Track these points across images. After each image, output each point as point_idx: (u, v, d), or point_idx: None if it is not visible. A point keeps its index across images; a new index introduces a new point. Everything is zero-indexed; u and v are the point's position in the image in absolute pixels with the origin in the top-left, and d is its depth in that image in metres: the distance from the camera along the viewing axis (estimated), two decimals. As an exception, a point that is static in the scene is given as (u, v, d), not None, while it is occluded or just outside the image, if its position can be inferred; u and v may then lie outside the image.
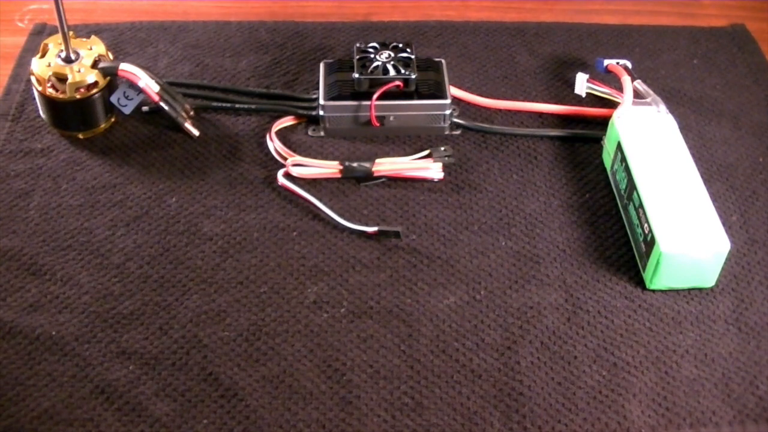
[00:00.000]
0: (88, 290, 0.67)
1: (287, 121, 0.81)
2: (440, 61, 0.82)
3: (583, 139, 0.81)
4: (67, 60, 0.76)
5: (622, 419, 0.60)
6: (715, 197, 0.73)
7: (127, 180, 0.75)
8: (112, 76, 0.77)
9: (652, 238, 0.66)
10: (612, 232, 0.73)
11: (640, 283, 0.69)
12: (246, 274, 0.68)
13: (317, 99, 0.80)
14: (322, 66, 0.82)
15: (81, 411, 0.59)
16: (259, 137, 0.80)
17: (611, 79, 0.83)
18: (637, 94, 0.79)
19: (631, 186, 0.71)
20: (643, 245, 0.68)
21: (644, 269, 0.68)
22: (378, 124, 0.79)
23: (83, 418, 0.59)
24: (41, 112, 0.79)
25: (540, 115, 0.83)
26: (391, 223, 0.72)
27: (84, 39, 0.79)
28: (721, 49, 0.92)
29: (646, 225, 0.68)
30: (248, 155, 0.78)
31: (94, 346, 0.63)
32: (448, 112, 0.79)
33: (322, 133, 0.80)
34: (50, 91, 0.76)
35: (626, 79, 0.80)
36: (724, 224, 0.67)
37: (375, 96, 0.77)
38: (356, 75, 0.78)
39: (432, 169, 0.76)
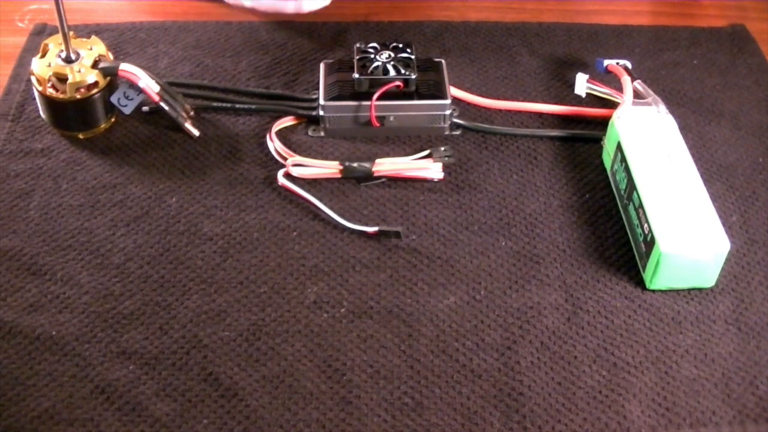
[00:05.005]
0: (88, 290, 0.67)
1: (287, 122, 0.81)
2: (440, 61, 0.82)
3: (583, 139, 0.81)
4: (68, 60, 0.76)
5: (622, 419, 0.60)
6: (715, 197, 0.73)
7: (127, 180, 0.75)
8: (112, 76, 0.77)
9: (652, 238, 0.66)
10: (612, 232, 0.73)
11: (640, 283, 0.69)
12: (246, 274, 0.68)
13: (317, 99, 0.80)
14: (322, 66, 0.82)
15: (81, 411, 0.59)
16: (259, 137, 0.80)
17: (611, 79, 0.83)
18: (637, 95, 0.79)
19: (631, 186, 0.71)
20: (643, 245, 0.68)
21: (644, 269, 0.68)
22: (378, 124, 0.79)
23: (83, 418, 0.59)
24: (41, 112, 0.79)
25: (540, 115, 0.83)
26: (391, 223, 0.72)
27: (84, 39, 0.79)
28: (721, 49, 0.92)
29: (646, 225, 0.68)
30: (248, 155, 0.78)
31: (94, 346, 0.63)
32: (448, 112, 0.79)
33: (322, 134, 0.80)
34: (50, 91, 0.76)
35: (626, 80, 0.80)
36: (724, 224, 0.67)
37: (375, 96, 0.77)
38: (356, 75, 0.78)
39: (432, 169, 0.76)
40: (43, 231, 0.71)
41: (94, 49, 0.78)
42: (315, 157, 0.77)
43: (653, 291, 0.68)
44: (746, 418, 0.61)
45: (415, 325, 0.65)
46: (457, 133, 0.81)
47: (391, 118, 0.79)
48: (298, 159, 0.76)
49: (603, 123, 0.78)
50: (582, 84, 0.84)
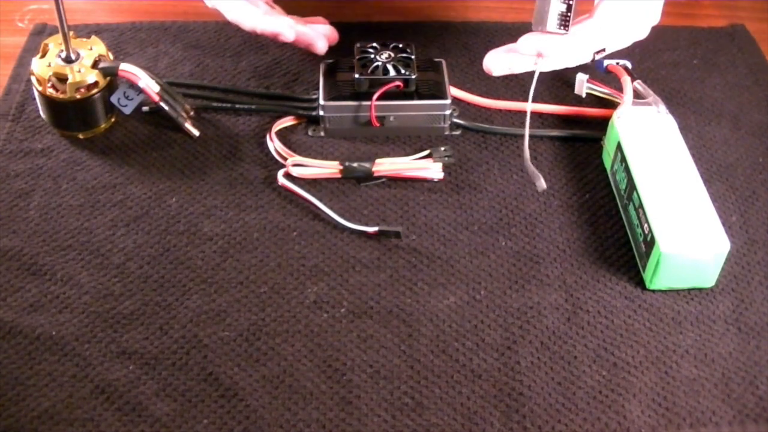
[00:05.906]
0: (88, 290, 0.67)
1: (287, 122, 0.81)
2: (440, 61, 0.82)
3: (583, 139, 0.81)
4: (68, 60, 0.76)
5: (622, 419, 0.60)
6: (715, 197, 0.73)
7: (127, 180, 0.75)
8: (112, 76, 0.77)
9: (652, 238, 0.66)
10: (612, 232, 0.73)
11: (640, 283, 0.69)
12: (246, 274, 0.68)
13: (317, 99, 0.80)
14: (322, 66, 0.82)
15: (81, 411, 0.59)
16: (259, 137, 0.80)
17: (611, 79, 0.83)
18: (637, 95, 0.79)
19: (631, 186, 0.71)
20: (643, 245, 0.68)
21: (644, 269, 0.68)
22: (378, 124, 0.79)
23: (83, 418, 0.59)
24: (41, 112, 0.79)
25: (540, 115, 0.83)
26: (391, 223, 0.72)
27: (84, 39, 0.79)
28: (721, 49, 0.92)
29: (646, 225, 0.68)
30: (248, 155, 0.78)
31: (94, 346, 0.63)
32: (448, 112, 0.79)
33: (322, 134, 0.80)
34: (50, 91, 0.76)
35: (626, 80, 0.80)
36: (724, 224, 0.67)
37: (375, 96, 0.77)
38: (356, 75, 0.78)
39: (432, 169, 0.76)
40: (43, 231, 0.71)
41: (94, 49, 0.78)
42: (315, 157, 0.77)
43: (653, 291, 0.68)
44: (746, 418, 0.61)
45: (415, 325, 0.65)
46: (457, 133, 0.81)
47: (391, 118, 0.79)
48: (298, 159, 0.76)
49: (603, 123, 0.78)
50: (582, 84, 0.84)
